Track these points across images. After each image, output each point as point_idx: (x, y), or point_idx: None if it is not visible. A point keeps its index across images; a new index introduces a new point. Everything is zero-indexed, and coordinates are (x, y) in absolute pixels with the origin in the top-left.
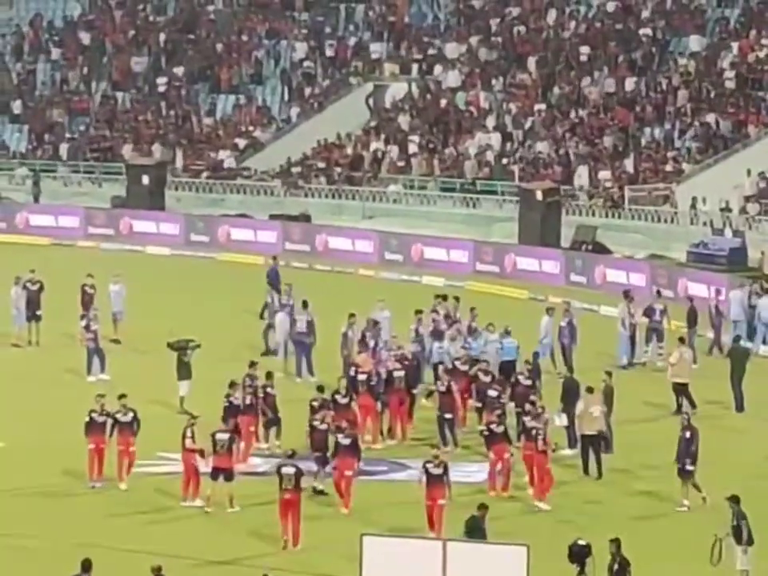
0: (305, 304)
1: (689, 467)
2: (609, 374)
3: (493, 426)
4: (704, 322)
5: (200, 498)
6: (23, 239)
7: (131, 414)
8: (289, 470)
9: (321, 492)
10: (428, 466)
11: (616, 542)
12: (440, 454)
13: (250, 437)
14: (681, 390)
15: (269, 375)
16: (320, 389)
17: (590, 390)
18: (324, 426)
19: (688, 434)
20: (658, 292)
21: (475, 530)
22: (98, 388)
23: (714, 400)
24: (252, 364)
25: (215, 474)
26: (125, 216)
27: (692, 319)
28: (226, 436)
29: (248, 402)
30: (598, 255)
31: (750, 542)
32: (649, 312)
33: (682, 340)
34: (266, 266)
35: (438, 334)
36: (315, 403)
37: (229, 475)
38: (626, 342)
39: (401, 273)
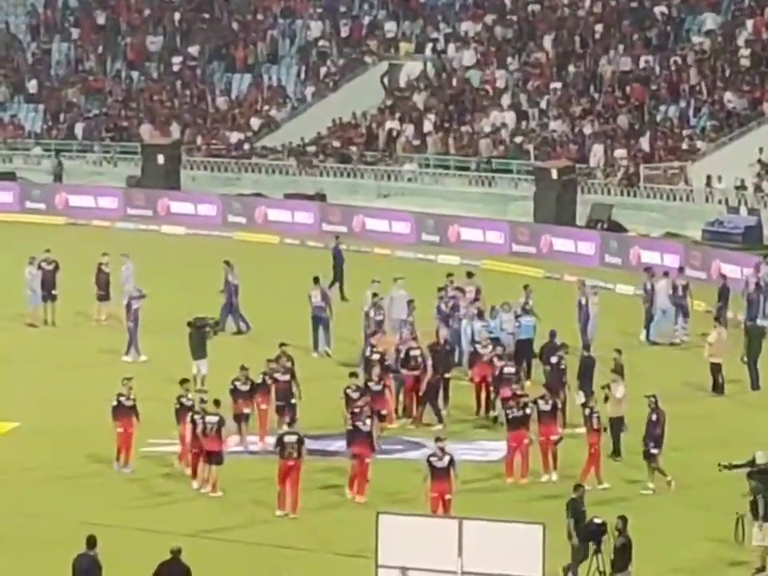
0: (315, 280)
1: (653, 450)
2: (618, 351)
3: (510, 412)
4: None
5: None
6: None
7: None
8: (291, 438)
9: None
10: (432, 459)
11: (623, 519)
12: (444, 446)
13: (263, 416)
14: (717, 369)
15: (277, 359)
16: (353, 374)
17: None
18: (367, 428)
19: (654, 417)
20: (681, 269)
21: (578, 513)
22: (125, 369)
23: (733, 379)
24: (281, 345)
25: (206, 456)
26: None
27: (724, 297)
28: (215, 419)
29: (260, 380)
30: (632, 237)
31: (767, 518)
32: (672, 288)
33: (717, 320)
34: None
35: (479, 314)
36: (351, 391)
37: (217, 458)
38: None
39: (416, 252)
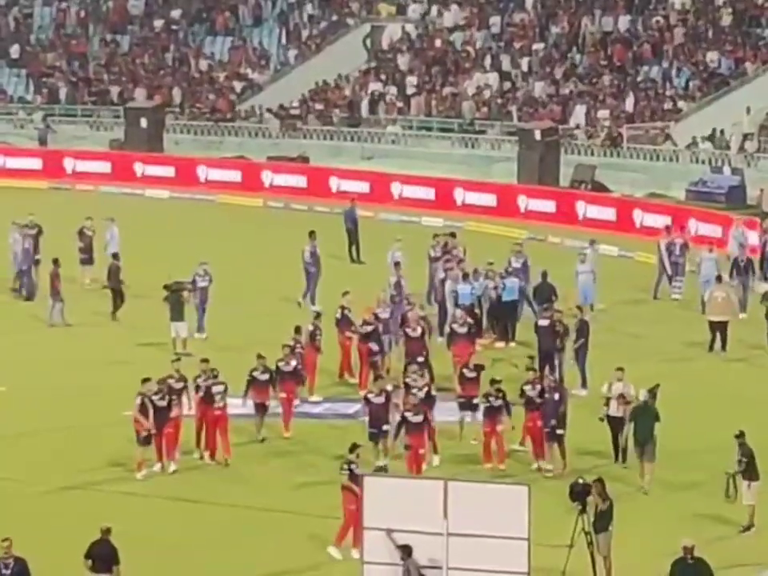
0: (311, 234)
1: (559, 430)
2: (579, 308)
3: (490, 401)
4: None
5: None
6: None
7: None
8: (219, 388)
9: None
10: (490, 399)
11: (601, 482)
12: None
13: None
14: (718, 327)
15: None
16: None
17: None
18: (381, 400)
19: (557, 396)
20: (682, 228)
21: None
22: (112, 331)
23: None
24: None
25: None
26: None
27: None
28: (221, 387)
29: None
30: None
31: (755, 477)
32: (670, 247)
33: (719, 279)
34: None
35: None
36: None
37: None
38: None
39: (400, 213)
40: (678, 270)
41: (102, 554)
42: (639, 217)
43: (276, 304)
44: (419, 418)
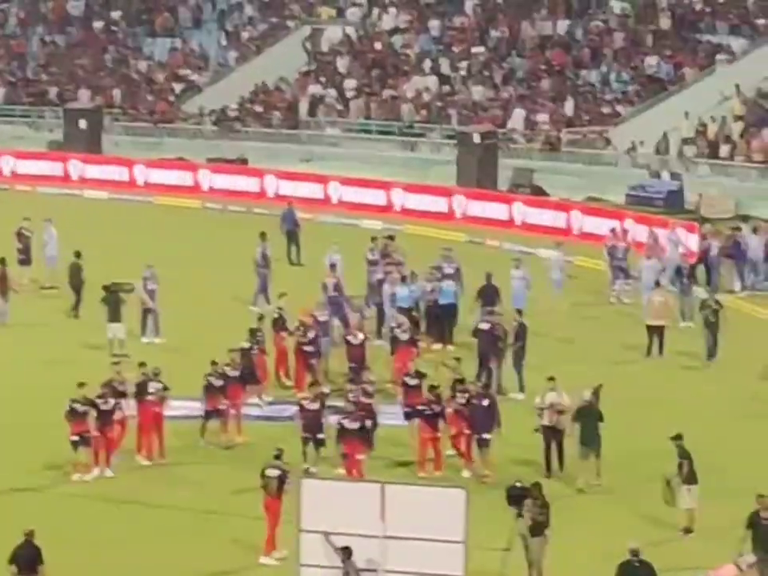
0: (262, 235)
1: (486, 436)
2: (519, 311)
3: (425, 408)
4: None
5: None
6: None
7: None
8: (157, 386)
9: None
10: (432, 406)
11: (537, 486)
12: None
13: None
14: (656, 331)
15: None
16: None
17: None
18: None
19: (486, 402)
20: (624, 231)
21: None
22: (49, 331)
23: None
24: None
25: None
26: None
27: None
28: (159, 385)
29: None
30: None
31: (693, 480)
32: (611, 251)
33: (657, 283)
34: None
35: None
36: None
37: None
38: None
39: (338, 216)
40: (621, 274)
41: (26, 556)
42: (579, 221)
43: (226, 305)
44: (356, 425)
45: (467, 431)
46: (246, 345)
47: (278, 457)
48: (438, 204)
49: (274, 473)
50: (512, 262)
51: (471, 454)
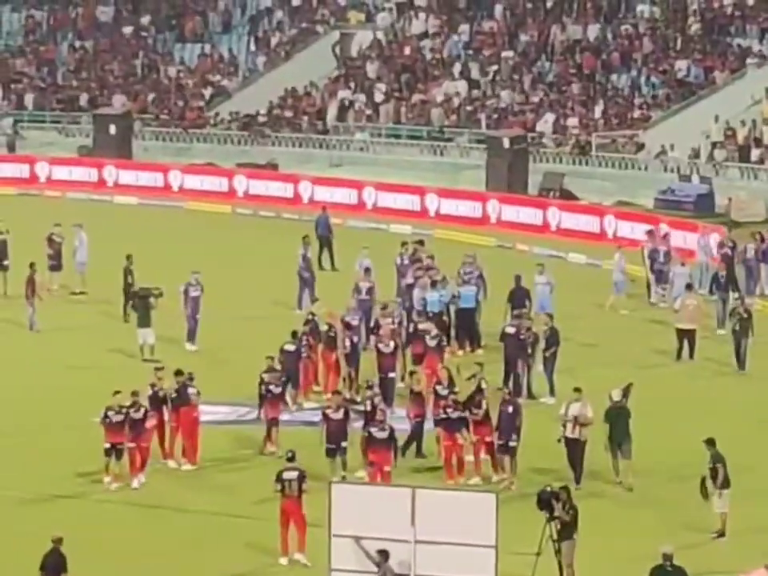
0: (304, 239)
1: (512, 443)
2: (550, 316)
3: (448, 413)
4: None
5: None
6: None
7: (143, 410)
8: (290, 475)
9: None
10: (448, 411)
11: (566, 490)
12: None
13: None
14: (686, 335)
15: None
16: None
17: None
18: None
19: (511, 409)
20: (665, 235)
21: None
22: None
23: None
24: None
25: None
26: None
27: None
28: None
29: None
30: None
31: (726, 485)
32: (652, 254)
33: (689, 287)
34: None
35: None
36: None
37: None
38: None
39: (368, 220)
40: (662, 278)
41: (52, 564)
42: (611, 225)
43: (268, 309)
44: (384, 434)
45: (488, 439)
46: (291, 347)
47: (291, 459)
48: (472, 209)
49: (292, 474)
50: (536, 268)
51: (480, 461)
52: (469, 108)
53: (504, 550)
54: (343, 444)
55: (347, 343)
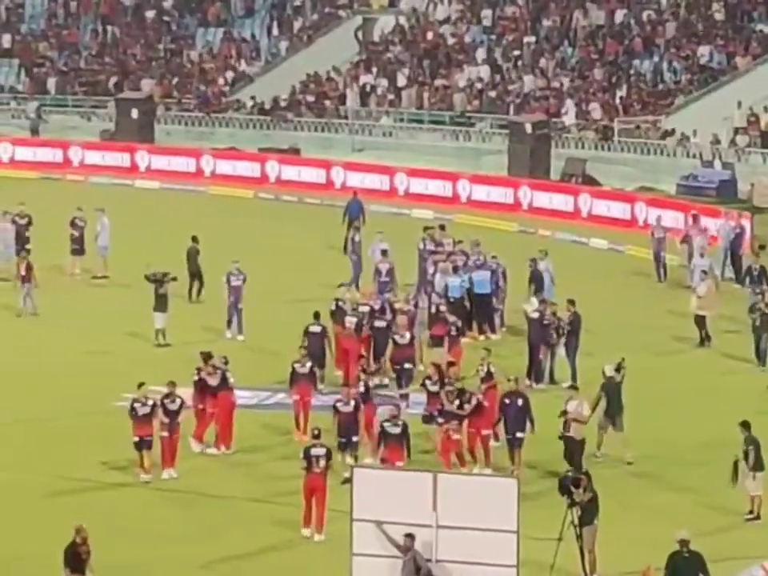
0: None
1: (519, 435)
2: (572, 302)
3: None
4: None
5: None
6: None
7: (179, 401)
8: (318, 451)
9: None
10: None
11: (587, 475)
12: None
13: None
14: (702, 322)
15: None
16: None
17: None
18: (349, 409)
19: (520, 402)
20: (694, 217)
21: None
22: (97, 321)
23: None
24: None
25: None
26: None
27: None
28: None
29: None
30: None
31: (759, 467)
32: (686, 239)
33: (704, 273)
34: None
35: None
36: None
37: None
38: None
39: (392, 206)
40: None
41: (76, 555)
42: (641, 211)
43: (317, 292)
44: (398, 429)
45: (485, 432)
46: (317, 328)
47: (317, 436)
48: (503, 195)
49: (320, 451)
50: (538, 253)
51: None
52: (491, 93)
53: (525, 535)
54: (354, 438)
55: (368, 326)
